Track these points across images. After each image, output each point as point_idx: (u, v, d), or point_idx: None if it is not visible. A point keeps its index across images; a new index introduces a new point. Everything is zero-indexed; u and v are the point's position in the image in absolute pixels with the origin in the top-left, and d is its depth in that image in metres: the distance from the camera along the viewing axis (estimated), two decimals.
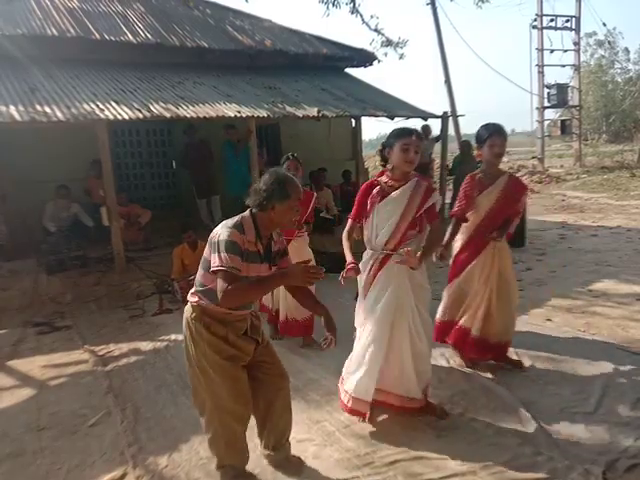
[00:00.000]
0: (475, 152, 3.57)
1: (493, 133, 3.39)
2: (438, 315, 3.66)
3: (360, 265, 2.98)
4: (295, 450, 2.64)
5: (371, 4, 16.57)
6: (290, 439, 2.61)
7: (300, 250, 3.96)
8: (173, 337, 4.55)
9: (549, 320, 4.52)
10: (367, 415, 2.91)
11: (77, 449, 2.90)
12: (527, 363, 3.62)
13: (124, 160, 9.23)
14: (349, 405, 2.92)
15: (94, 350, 4.37)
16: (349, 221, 3.07)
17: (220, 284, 2.11)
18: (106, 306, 5.66)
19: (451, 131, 14.51)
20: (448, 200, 9.03)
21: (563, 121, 20.61)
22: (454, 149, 13.79)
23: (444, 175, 9.34)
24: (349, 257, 2.94)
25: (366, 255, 2.99)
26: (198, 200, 8.39)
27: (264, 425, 2.54)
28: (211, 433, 2.39)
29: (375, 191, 2.92)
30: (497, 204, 3.43)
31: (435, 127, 9.77)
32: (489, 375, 3.49)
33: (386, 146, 2.91)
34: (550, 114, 22.04)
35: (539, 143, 19.41)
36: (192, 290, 2.36)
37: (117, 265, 6.28)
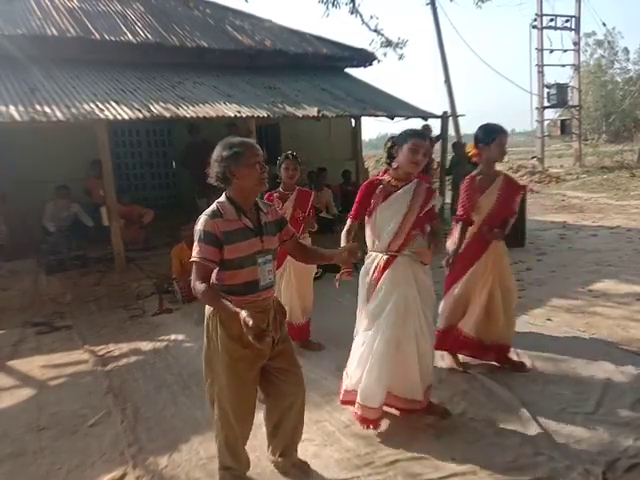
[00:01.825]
0: (470, 152, 3.52)
1: (501, 132, 3.36)
2: (438, 324, 3.60)
3: (363, 268, 2.95)
4: None
5: (371, 4, 16.54)
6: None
7: None
8: (173, 337, 4.55)
9: (549, 320, 4.52)
10: (378, 424, 2.85)
11: (77, 449, 2.90)
12: (527, 363, 3.62)
13: (124, 160, 9.25)
14: (359, 413, 2.86)
15: (94, 350, 4.37)
16: (349, 220, 3.01)
17: (192, 275, 2.12)
18: (106, 306, 5.66)
19: (451, 131, 14.54)
20: (448, 200, 9.06)
21: (563, 121, 20.62)
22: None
23: (444, 175, 9.34)
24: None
25: (369, 257, 2.95)
26: (198, 200, 8.38)
27: (275, 432, 2.50)
28: (216, 431, 2.37)
29: (378, 191, 2.88)
30: (496, 205, 3.41)
31: (435, 127, 9.75)
32: (489, 375, 3.49)
33: (396, 143, 2.86)
34: (550, 114, 22.10)
35: (539, 143, 19.43)
36: None
37: (117, 265, 6.29)
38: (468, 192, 3.44)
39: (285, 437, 2.50)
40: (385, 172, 2.98)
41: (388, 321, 2.79)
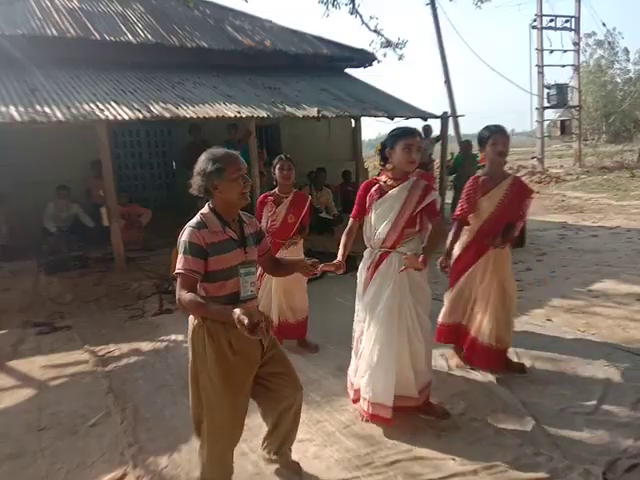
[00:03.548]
0: (480, 155, 3.52)
1: (495, 132, 3.37)
2: (440, 318, 3.64)
3: (361, 264, 2.99)
4: (295, 450, 2.64)
5: (371, 4, 16.58)
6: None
7: (294, 257, 3.85)
8: (173, 337, 4.55)
9: (549, 320, 4.52)
10: (390, 420, 2.83)
11: (77, 449, 2.89)
12: (527, 363, 3.62)
13: (124, 160, 9.24)
14: (370, 411, 2.85)
15: (94, 350, 4.37)
16: (350, 219, 3.08)
17: (177, 287, 2.09)
18: (106, 306, 5.66)
19: (451, 131, 14.54)
20: (448, 200, 9.06)
21: (563, 121, 20.63)
22: (454, 149, 13.80)
23: (444, 175, 9.34)
24: (340, 253, 2.94)
25: (366, 253, 3.00)
26: (198, 200, 8.38)
27: (271, 432, 2.51)
28: (204, 448, 2.30)
29: (374, 189, 2.92)
30: (499, 207, 3.37)
31: (435, 127, 9.76)
32: (489, 375, 3.49)
33: (386, 146, 2.88)
34: (550, 114, 22.14)
35: (539, 143, 19.43)
36: None
37: (117, 265, 6.29)
38: (468, 192, 3.44)
39: (280, 437, 2.50)
40: (383, 173, 3.00)
41: (384, 318, 2.82)
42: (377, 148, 3.03)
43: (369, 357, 2.87)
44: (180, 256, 2.12)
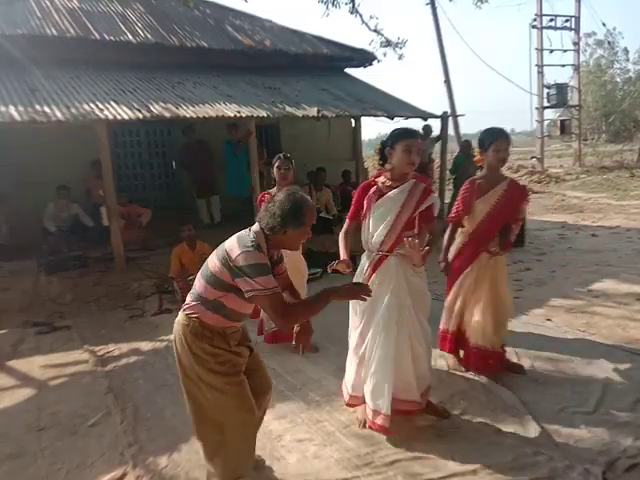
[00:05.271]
0: (477, 156, 3.48)
1: (498, 137, 3.30)
2: (442, 324, 3.61)
3: (358, 269, 2.96)
4: (295, 450, 2.64)
5: (371, 4, 16.59)
6: (287, 442, 2.56)
7: (294, 258, 3.82)
8: (173, 337, 4.54)
9: (549, 320, 4.52)
10: (388, 430, 2.77)
11: (77, 449, 2.90)
12: (527, 363, 3.62)
13: (124, 160, 9.24)
14: (378, 422, 2.78)
15: (94, 350, 4.37)
16: (347, 221, 3.07)
17: (273, 307, 2.05)
18: (106, 306, 5.66)
19: (451, 131, 14.54)
20: (447, 200, 9.06)
21: (563, 121, 20.62)
22: (454, 149, 13.80)
23: (444, 175, 9.33)
24: (343, 253, 2.93)
25: (364, 257, 2.98)
26: (198, 200, 8.40)
27: None
28: (224, 453, 2.29)
29: (372, 191, 2.90)
30: (494, 210, 3.34)
31: (435, 127, 9.76)
32: (489, 375, 3.48)
33: (387, 145, 2.86)
34: (550, 114, 22.09)
35: (538, 143, 19.43)
36: (190, 302, 2.27)
37: (117, 265, 6.28)
38: (465, 195, 3.43)
39: None
40: (380, 174, 2.97)
41: (384, 323, 2.79)
42: (377, 147, 3.01)
43: (368, 365, 2.84)
44: (255, 279, 2.03)
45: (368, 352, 2.86)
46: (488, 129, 3.41)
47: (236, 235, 2.18)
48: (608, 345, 3.91)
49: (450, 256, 3.52)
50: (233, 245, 2.11)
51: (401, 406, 2.86)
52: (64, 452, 2.87)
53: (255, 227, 2.19)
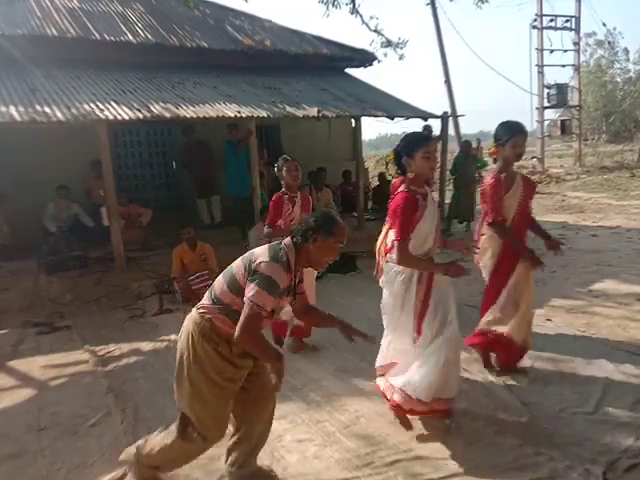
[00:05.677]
0: (491, 149, 3.42)
1: (517, 133, 3.26)
2: (484, 324, 3.52)
3: (395, 275, 2.86)
4: (295, 450, 2.64)
5: (371, 4, 16.60)
6: (287, 442, 2.56)
7: None
8: (173, 337, 4.53)
9: (549, 320, 4.52)
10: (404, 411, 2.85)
11: (77, 449, 2.90)
12: (527, 363, 3.62)
13: (124, 160, 9.24)
14: (397, 400, 2.83)
15: (94, 350, 4.37)
16: (402, 243, 2.75)
17: (247, 320, 2.04)
18: (106, 306, 5.66)
19: (451, 131, 14.54)
20: (447, 200, 9.06)
21: (563, 121, 20.64)
22: (454, 149, 13.80)
23: (444, 176, 9.32)
24: (435, 265, 2.82)
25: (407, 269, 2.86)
26: (198, 200, 8.40)
27: (241, 440, 2.40)
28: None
29: (419, 203, 2.80)
30: (520, 205, 3.32)
31: (435, 127, 9.76)
32: (489, 375, 3.49)
33: (402, 155, 2.82)
34: (550, 114, 22.10)
35: (539, 143, 19.44)
36: (206, 301, 2.24)
37: (117, 265, 6.28)
38: (497, 191, 3.27)
39: (253, 442, 2.41)
40: (402, 182, 2.90)
41: (452, 329, 2.78)
42: (389, 157, 3.00)
43: (426, 354, 2.78)
44: (258, 288, 2.03)
45: (430, 343, 2.80)
46: (506, 123, 3.35)
47: (269, 244, 2.22)
48: (608, 345, 3.91)
49: (487, 258, 3.44)
50: (263, 252, 2.16)
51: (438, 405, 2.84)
52: (64, 452, 2.87)
53: (287, 240, 2.22)
